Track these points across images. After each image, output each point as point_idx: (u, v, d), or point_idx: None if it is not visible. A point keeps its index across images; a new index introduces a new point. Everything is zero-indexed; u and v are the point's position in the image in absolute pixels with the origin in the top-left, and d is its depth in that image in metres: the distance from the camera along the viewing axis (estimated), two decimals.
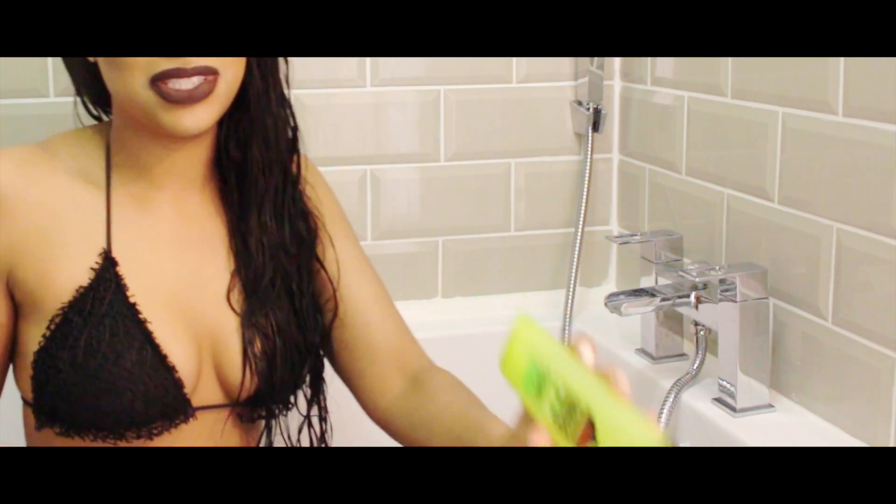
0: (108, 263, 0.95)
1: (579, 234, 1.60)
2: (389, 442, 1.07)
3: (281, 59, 1.02)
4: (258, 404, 1.03)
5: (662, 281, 1.40)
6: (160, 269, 0.99)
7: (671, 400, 1.28)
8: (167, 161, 0.98)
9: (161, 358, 0.95)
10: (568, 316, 1.58)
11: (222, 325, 1.00)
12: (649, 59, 1.56)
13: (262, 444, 1.07)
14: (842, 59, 1.14)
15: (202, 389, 0.99)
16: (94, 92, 1.04)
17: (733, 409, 1.23)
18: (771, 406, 1.24)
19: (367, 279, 1.12)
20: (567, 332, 1.58)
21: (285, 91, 1.04)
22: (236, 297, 1.02)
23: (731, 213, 1.36)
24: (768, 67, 1.27)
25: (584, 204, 1.61)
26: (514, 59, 1.62)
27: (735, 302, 1.22)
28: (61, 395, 0.93)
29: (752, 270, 1.23)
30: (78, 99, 1.07)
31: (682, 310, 1.35)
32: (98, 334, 0.93)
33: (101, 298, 0.94)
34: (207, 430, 1.00)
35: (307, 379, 1.08)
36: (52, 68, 1.46)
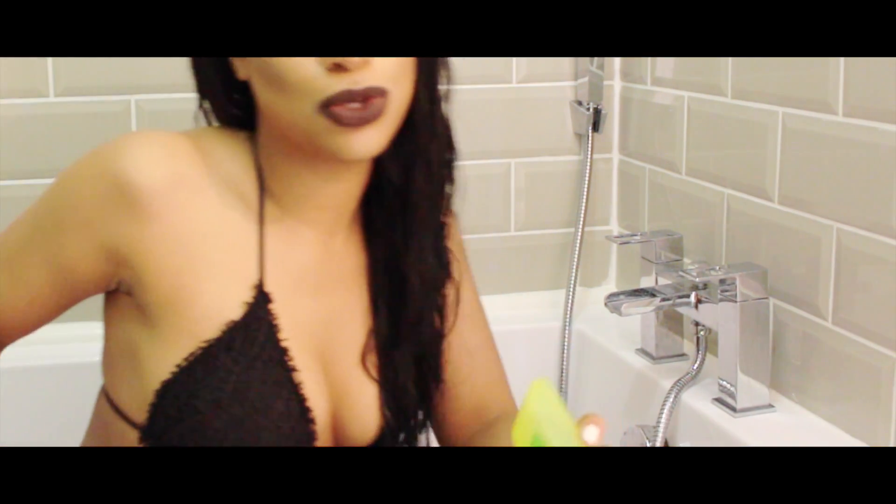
0: (262, 299, 0.87)
1: (579, 234, 1.60)
2: None
3: (443, 75, 0.94)
4: None
5: (662, 281, 1.40)
6: (304, 310, 0.91)
7: (671, 400, 1.28)
8: (321, 193, 0.91)
9: (305, 410, 0.89)
10: (568, 316, 1.58)
11: (353, 382, 0.94)
12: (649, 59, 1.56)
13: None
14: (842, 59, 1.14)
15: (319, 437, 0.93)
16: (221, 105, 0.94)
17: (733, 409, 1.23)
18: (771, 406, 1.24)
19: (475, 327, 1.05)
20: (567, 332, 1.58)
21: (445, 110, 0.96)
22: (372, 359, 0.96)
23: (731, 213, 1.36)
24: (768, 67, 1.27)
25: (584, 204, 1.61)
26: (514, 59, 1.62)
27: (735, 302, 1.22)
28: (195, 436, 0.85)
29: (752, 270, 1.23)
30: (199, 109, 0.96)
31: (682, 310, 1.35)
32: (248, 378, 0.85)
33: (253, 338, 0.86)
34: None
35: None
36: (52, 68, 1.46)
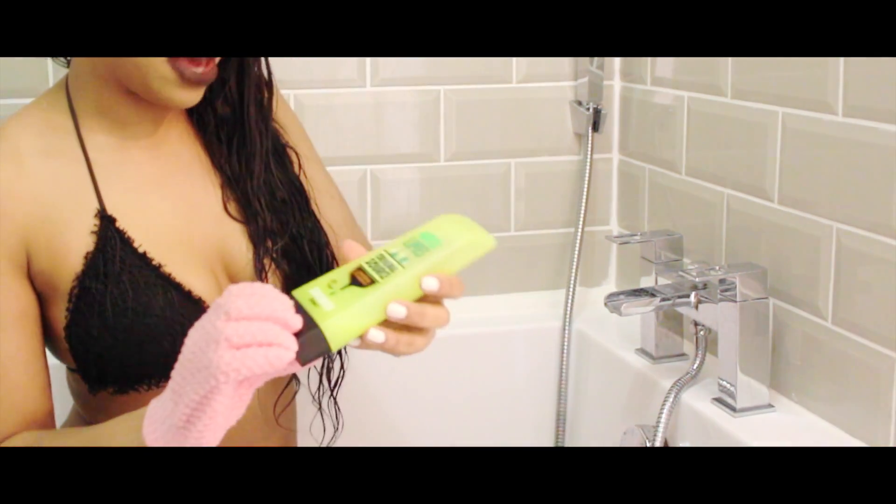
0: (106, 222, 0.96)
1: (579, 234, 1.60)
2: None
3: None
4: None
5: (662, 281, 1.40)
6: (155, 210, 0.99)
7: (671, 400, 1.28)
8: (144, 117, 0.99)
9: (186, 294, 0.97)
10: (568, 316, 1.58)
11: (227, 237, 1.02)
12: (649, 59, 1.56)
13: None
14: (842, 59, 1.14)
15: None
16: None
17: (733, 409, 1.23)
18: (771, 406, 1.24)
19: (335, 203, 1.14)
20: (567, 332, 1.58)
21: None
22: (233, 206, 1.03)
23: (731, 213, 1.36)
24: (768, 67, 1.27)
25: (584, 204, 1.61)
26: (514, 59, 1.62)
27: (735, 302, 1.22)
28: (104, 360, 0.94)
29: (752, 270, 1.23)
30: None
31: (682, 310, 1.35)
32: (120, 293, 0.94)
33: (112, 258, 0.95)
34: None
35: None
36: (52, 68, 1.46)
